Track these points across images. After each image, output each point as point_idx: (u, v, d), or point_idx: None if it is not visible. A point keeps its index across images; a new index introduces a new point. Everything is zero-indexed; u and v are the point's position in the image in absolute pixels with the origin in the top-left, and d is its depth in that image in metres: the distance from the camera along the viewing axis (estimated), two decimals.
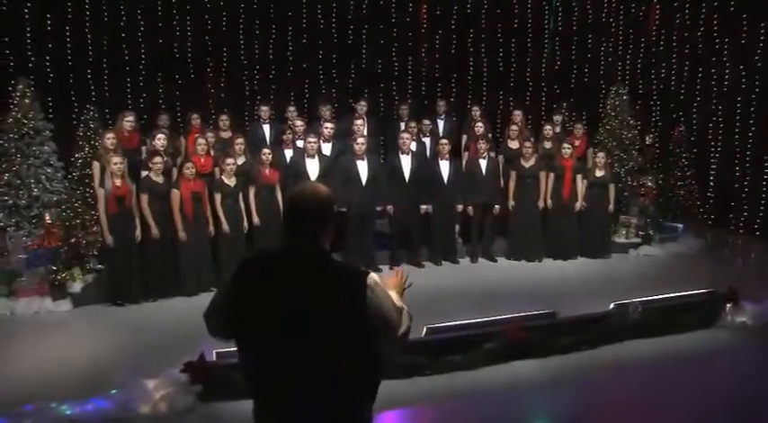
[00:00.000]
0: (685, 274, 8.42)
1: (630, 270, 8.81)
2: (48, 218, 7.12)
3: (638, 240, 9.61)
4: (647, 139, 10.57)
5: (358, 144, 8.14)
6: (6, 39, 9.85)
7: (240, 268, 2.31)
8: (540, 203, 8.99)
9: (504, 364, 5.49)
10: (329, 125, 8.65)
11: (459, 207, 8.85)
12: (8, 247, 7.54)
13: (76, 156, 8.53)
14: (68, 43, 10.28)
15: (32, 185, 7.77)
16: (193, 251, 7.34)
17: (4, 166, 7.79)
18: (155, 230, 7.09)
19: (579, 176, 9.00)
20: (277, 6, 11.44)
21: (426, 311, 6.63)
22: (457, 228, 9.24)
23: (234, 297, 2.27)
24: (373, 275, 2.25)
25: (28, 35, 9.99)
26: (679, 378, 5.43)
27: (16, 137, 7.78)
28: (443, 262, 8.90)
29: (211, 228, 7.48)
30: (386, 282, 2.45)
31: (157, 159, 7.16)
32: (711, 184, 11.29)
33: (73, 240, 7.46)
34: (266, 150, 7.80)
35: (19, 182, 7.75)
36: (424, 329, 5.47)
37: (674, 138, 10.98)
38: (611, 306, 6.15)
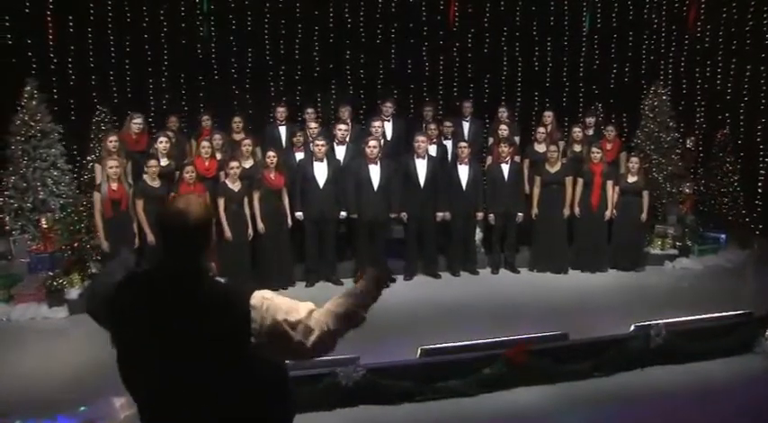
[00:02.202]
0: (724, 291, 7.71)
1: (664, 285, 8.12)
2: (44, 222, 6.96)
3: (674, 252, 8.88)
4: (688, 142, 9.82)
5: (369, 147, 7.73)
6: (29, 41, 9.84)
7: (116, 294, 2.20)
8: (566, 211, 8.41)
9: (505, 391, 5.02)
10: (343, 127, 8.28)
11: (480, 215, 8.35)
12: (12, 251, 7.47)
13: (88, 158, 8.42)
14: (90, 45, 10.22)
15: (39, 188, 7.68)
16: None
17: (10, 168, 7.72)
18: (150, 236, 6.83)
19: (610, 183, 8.37)
20: (303, 5, 11.14)
21: (434, 326, 6.32)
22: (479, 236, 8.75)
23: (111, 323, 2.22)
24: (259, 293, 2.13)
25: (50, 37, 9.96)
26: (706, 410, 4.86)
27: (23, 139, 7.69)
28: (462, 272, 8.41)
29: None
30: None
31: (153, 163, 6.93)
32: (759, 190, 10.46)
33: (76, 244, 7.33)
34: (271, 153, 7.48)
35: (25, 185, 7.66)
36: (418, 351, 5.04)
37: (718, 141, 10.19)
38: (632, 328, 5.58)
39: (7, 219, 7.57)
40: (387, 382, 4.73)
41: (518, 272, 8.54)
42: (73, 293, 6.96)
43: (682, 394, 5.11)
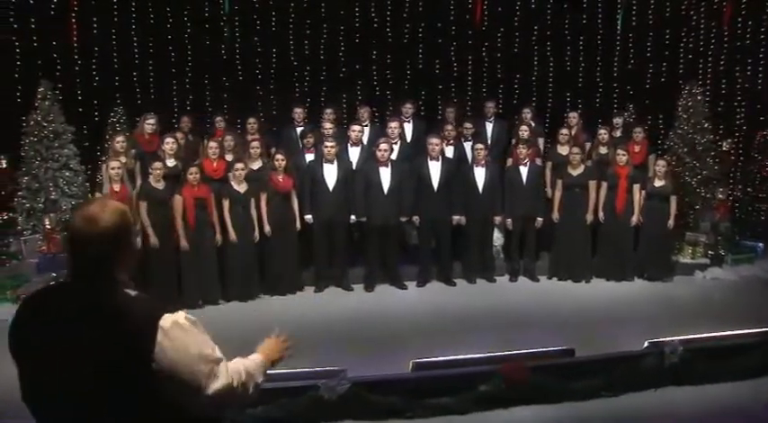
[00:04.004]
0: (759, 304, 7.18)
1: (693, 296, 7.61)
2: (47, 223, 6.92)
3: (706, 261, 8.36)
4: (724, 144, 9.26)
5: (380, 150, 7.49)
6: (54, 43, 9.91)
7: (20, 308, 2.03)
8: (589, 216, 7.99)
9: (502, 410, 4.71)
10: (356, 128, 8.04)
11: (498, 219, 8.02)
12: (23, 252, 7.48)
13: (103, 159, 8.40)
14: (114, 46, 10.24)
15: (50, 189, 7.67)
16: (196, 261, 6.94)
17: (23, 168, 7.75)
18: (153, 239, 6.69)
19: (636, 187, 7.93)
20: (328, 5, 10.97)
21: (437, 338, 6.04)
22: (500, 242, 8.39)
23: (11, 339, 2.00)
24: (173, 317, 1.90)
25: (74, 38, 10.02)
26: None
27: (35, 140, 7.70)
28: (478, 280, 8.07)
29: (218, 236, 7.06)
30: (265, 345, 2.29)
31: (157, 164, 6.81)
32: None
33: None
34: (279, 156, 7.31)
35: (37, 185, 7.67)
36: (410, 364, 4.77)
37: (757, 143, 9.59)
38: (645, 345, 5.19)
39: (19, 219, 7.58)
40: (373, 398, 4.48)
41: (537, 280, 8.16)
42: None
43: (697, 418, 4.73)
